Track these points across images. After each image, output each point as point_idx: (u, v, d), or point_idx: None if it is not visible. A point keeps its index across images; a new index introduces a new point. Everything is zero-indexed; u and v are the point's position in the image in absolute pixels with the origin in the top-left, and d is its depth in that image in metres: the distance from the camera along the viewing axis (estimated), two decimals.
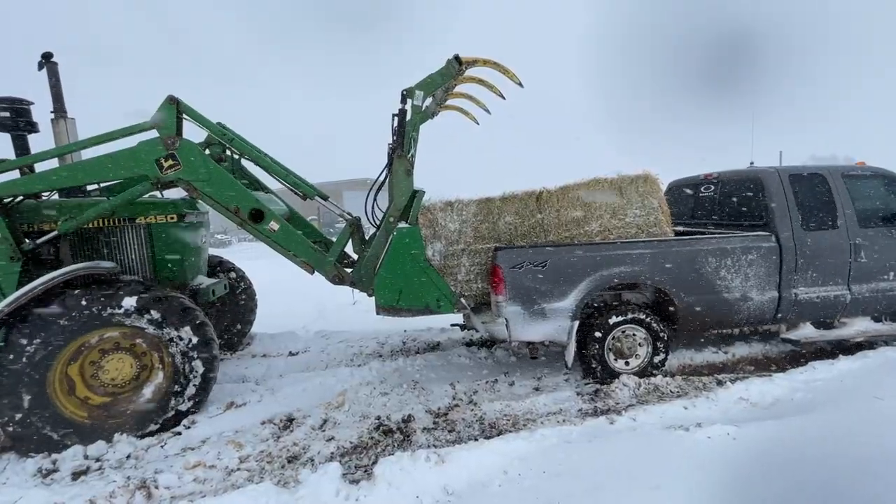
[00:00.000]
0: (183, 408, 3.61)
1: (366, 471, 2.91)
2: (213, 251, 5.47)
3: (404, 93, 3.79)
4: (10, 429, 3.19)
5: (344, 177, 30.89)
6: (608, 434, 3.01)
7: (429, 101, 3.87)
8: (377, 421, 3.56)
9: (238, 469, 3.01)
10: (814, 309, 4.43)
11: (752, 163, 5.22)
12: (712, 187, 5.14)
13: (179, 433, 3.51)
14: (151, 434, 3.50)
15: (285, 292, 7.33)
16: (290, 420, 3.67)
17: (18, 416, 3.19)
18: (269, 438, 3.39)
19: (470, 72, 3.91)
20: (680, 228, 5.00)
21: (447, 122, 4.87)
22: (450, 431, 3.42)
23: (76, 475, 3.06)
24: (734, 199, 4.82)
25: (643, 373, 4.12)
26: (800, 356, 4.71)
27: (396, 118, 3.88)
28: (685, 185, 5.56)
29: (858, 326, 4.75)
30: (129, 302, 3.39)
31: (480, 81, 4.16)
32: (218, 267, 5.49)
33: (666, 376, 4.09)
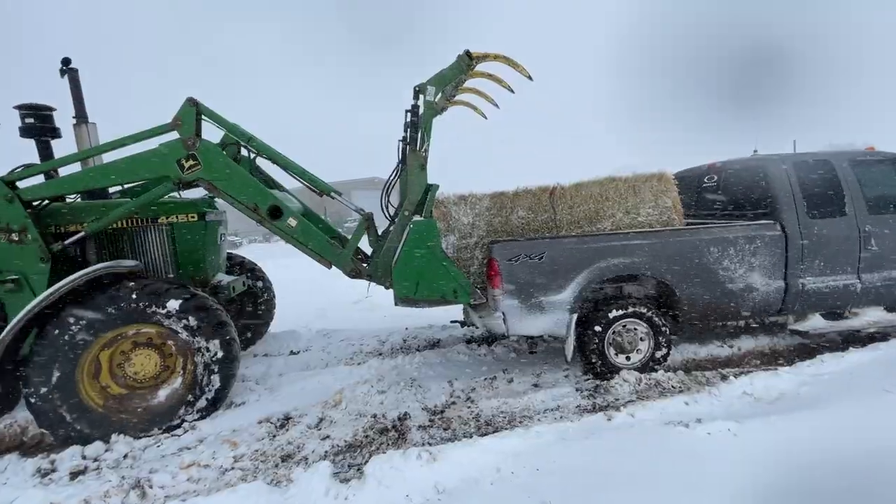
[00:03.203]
0: (189, 418, 3.62)
1: (358, 469, 2.88)
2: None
3: (416, 89, 3.79)
4: (33, 400, 3.27)
5: (349, 177, 31.04)
6: (605, 431, 2.93)
7: (438, 95, 3.88)
8: (373, 419, 3.54)
9: (232, 468, 3.01)
10: (822, 299, 4.29)
11: (755, 151, 5.08)
12: (716, 177, 5.01)
13: (177, 434, 3.52)
14: (150, 435, 3.51)
15: (289, 292, 7.33)
16: (287, 419, 3.66)
17: (44, 389, 3.27)
18: (265, 437, 3.38)
19: (479, 66, 3.88)
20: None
21: (462, 116, 4.82)
22: (445, 429, 3.38)
23: (74, 475, 3.07)
24: (738, 189, 4.69)
25: (645, 368, 4.03)
26: (808, 349, 4.58)
27: (409, 114, 3.87)
28: (688, 175, 5.43)
29: (870, 317, 4.63)
30: (174, 304, 3.45)
31: (490, 76, 4.12)
32: (249, 274, 5.49)
33: (668, 371, 4.00)
